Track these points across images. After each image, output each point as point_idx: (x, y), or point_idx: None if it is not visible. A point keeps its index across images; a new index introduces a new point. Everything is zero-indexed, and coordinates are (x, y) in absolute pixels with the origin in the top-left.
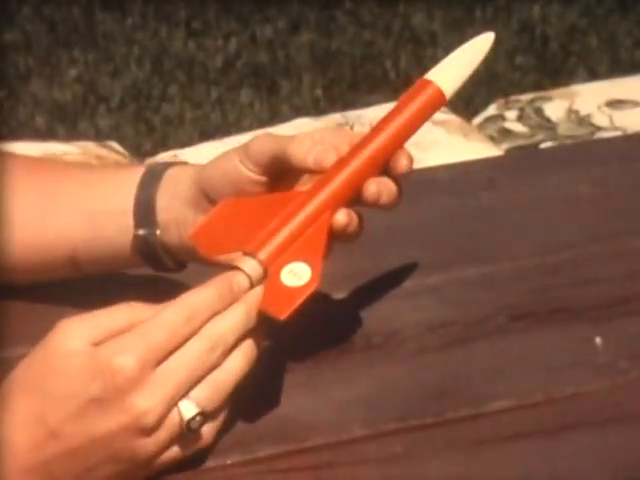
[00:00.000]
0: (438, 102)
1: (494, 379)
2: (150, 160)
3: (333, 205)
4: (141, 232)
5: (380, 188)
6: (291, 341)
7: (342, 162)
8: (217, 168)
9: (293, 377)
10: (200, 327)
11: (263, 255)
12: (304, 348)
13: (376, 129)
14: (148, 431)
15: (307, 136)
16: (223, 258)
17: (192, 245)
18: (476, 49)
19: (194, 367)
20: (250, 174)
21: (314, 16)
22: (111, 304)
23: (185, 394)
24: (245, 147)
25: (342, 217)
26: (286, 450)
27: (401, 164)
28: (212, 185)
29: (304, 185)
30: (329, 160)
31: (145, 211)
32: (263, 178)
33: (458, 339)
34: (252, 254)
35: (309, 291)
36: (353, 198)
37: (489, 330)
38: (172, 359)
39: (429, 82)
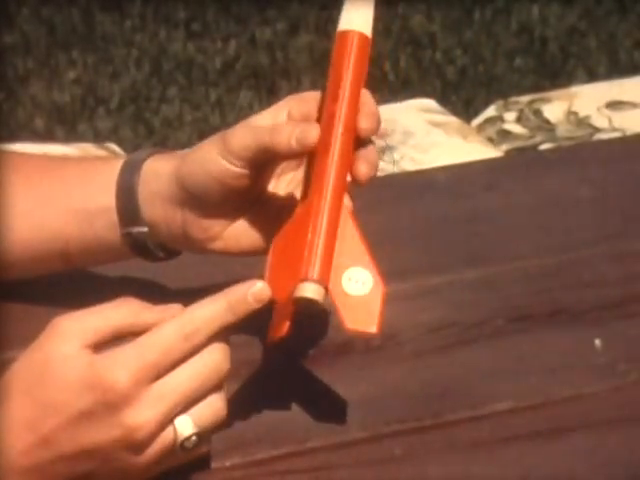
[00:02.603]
0: (366, 46)
1: (493, 381)
2: None
3: (340, 196)
4: (128, 230)
5: (369, 168)
6: (290, 343)
7: (324, 145)
8: (198, 164)
9: (292, 379)
10: (201, 344)
11: (316, 275)
12: (303, 350)
13: (333, 94)
14: (140, 446)
15: (281, 121)
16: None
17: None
18: None
19: (190, 386)
20: (234, 169)
21: (313, 17)
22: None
23: (180, 411)
24: (225, 142)
25: (347, 202)
26: (285, 452)
27: (367, 125)
28: (195, 182)
29: (284, 167)
30: (312, 138)
31: (129, 210)
32: (246, 171)
33: (457, 341)
34: (306, 278)
35: (381, 294)
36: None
37: (488, 332)
38: (169, 376)
39: (348, 32)
